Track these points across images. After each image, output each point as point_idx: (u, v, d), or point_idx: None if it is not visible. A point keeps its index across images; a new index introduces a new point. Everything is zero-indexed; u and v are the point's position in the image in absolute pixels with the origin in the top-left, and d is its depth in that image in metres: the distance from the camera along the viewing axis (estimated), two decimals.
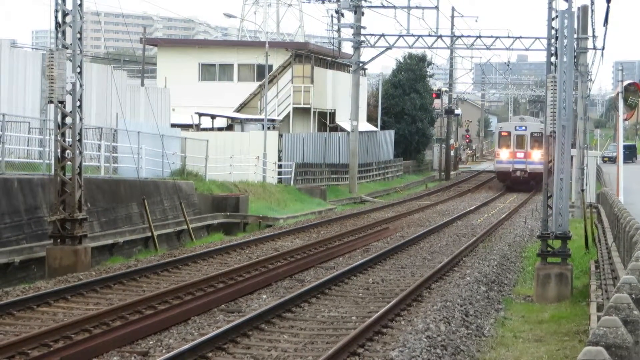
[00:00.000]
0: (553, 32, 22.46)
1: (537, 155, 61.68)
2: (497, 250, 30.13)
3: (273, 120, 58.76)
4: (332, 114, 69.44)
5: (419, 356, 14.77)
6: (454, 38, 60.13)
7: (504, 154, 63.89)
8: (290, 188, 50.33)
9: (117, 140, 36.38)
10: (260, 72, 62.25)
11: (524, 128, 64.02)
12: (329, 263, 26.37)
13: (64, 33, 24.34)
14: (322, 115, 68.29)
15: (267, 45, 55.11)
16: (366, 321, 16.88)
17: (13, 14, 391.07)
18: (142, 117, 42.17)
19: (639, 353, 7.24)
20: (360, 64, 59.95)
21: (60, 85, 23.89)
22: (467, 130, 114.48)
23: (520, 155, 63.41)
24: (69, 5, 24.31)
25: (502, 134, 64.58)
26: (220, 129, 57.02)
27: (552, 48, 22.47)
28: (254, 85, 64.80)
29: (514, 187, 64.12)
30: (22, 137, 31.41)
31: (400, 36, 56.48)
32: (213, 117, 57.00)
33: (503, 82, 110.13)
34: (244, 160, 48.91)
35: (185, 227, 33.85)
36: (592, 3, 41.71)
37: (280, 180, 52.71)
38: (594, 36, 45.33)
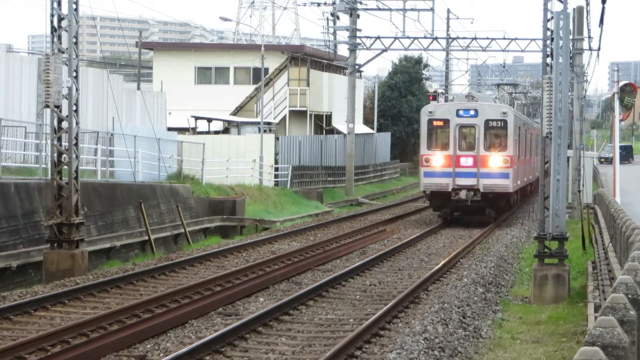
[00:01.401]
0: (548, 33, 22.49)
1: (496, 160, 37.62)
2: (494, 251, 30.14)
3: (269, 123, 58.78)
4: (329, 117, 69.49)
5: (416, 358, 14.77)
6: (450, 40, 60.14)
7: (437, 159, 37.64)
8: (287, 191, 50.32)
9: (114, 144, 36.37)
10: (256, 75, 62.29)
11: (472, 113, 37.81)
12: (326, 265, 26.38)
13: (59, 37, 24.34)
14: (318, 117, 68.34)
15: (263, 48, 55.13)
16: (364, 323, 16.89)
17: (9, 18, 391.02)
18: (139, 121, 42.17)
19: (635, 353, 7.26)
20: (356, 67, 59.98)
21: (57, 90, 23.89)
22: None
23: (467, 161, 37.58)
24: (65, 10, 24.31)
25: (435, 123, 38.16)
26: (216, 132, 57.06)
27: (548, 49, 22.51)
28: (250, 89, 64.83)
29: (458, 218, 39.43)
30: (18, 141, 31.40)
31: (396, 38, 56.51)
32: (209, 120, 57.05)
33: (499, 83, 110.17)
34: (240, 163, 48.90)
35: (182, 230, 33.84)
36: (588, 4, 41.81)
37: (276, 183, 52.71)
38: (589, 37, 45.41)
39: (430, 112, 38.48)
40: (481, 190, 37.36)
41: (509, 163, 37.70)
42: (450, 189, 37.37)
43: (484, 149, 37.59)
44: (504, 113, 38.17)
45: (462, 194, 37.25)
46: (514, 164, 38.27)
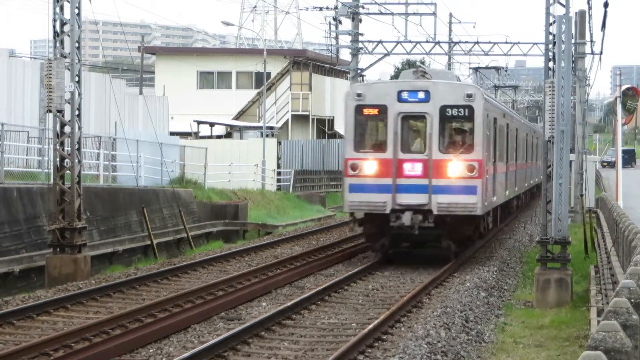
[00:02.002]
0: (551, 37, 22.50)
1: (457, 167, 26.07)
2: (497, 255, 30.11)
3: (272, 128, 58.83)
4: (331, 121, 69.53)
5: None
6: (452, 44, 60.16)
7: (369, 166, 26.40)
8: (289, 195, 50.34)
9: (116, 148, 36.42)
10: (259, 79, 62.36)
11: (422, 96, 26.42)
12: (328, 270, 26.35)
13: (62, 42, 24.38)
14: (320, 122, 68.38)
15: (265, 52, 55.17)
16: (366, 328, 16.87)
17: (11, 23, 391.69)
18: (141, 126, 42.20)
19: (638, 357, 7.25)
20: (359, 71, 59.98)
21: (59, 95, 23.92)
22: None
23: (413, 168, 26.26)
24: (67, 15, 24.35)
25: (366, 112, 26.77)
26: (219, 137, 57.13)
27: (550, 53, 22.52)
28: (252, 93, 64.90)
29: (402, 254, 28.37)
30: (21, 146, 31.46)
31: (398, 43, 56.47)
32: (212, 124, 57.12)
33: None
34: (242, 167, 48.92)
35: (185, 235, 33.85)
36: (590, 8, 41.80)
37: (279, 188, 52.73)
38: (591, 41, 45.44)
39: (358, 96, 26.44)
40: (434, 212, 25.66)
41: (476, 171, 25.86)
42: (388, 211, 25.83)
43: (439, 151, 25.89)
44: (469, 96, 26.04)
45: (406, 218, 25.60)
46: (485, 172, 26.56)
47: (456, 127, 26.78)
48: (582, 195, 38.75)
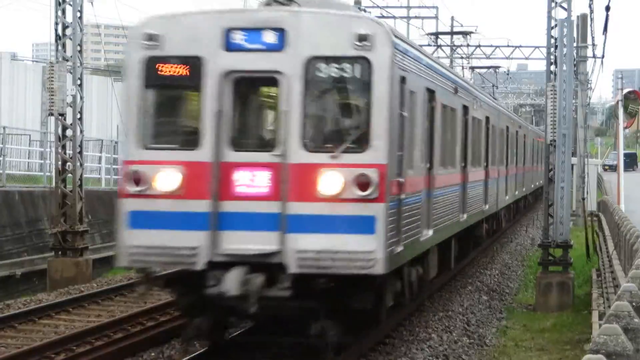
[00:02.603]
0: (552, 40, 22.50)
1: (337, 180, 12.65)
2: (498, 259, 30.11)
3: None
4: None
5: None
6: (454, 47, 60.16)
7: (166, 176, 13.06)
8: None
9: (118, 151, 36.44)
10: None
11: (272, 40, 12.91)
12: None
13: (64, 45, 24.40)
14: None
15: None
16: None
17: (13, 27, 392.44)
18: None
19: None
20: None
21: (61, 98, 23.93)
22: None
23: (253, 179, 12.87)
24: (69, 18, 24.37)
25: (164, 71, 13.22)
26: None
27: (552, 57, 22.52)
28: None
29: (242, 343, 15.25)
30: (23, 149, 31.49)
31: None
32: None
33: (503, 91, 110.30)
34: None
35: None
36: (592, 12, 41.77)
37: None
38: (593, 45, 45.45)
39: (150, 40, 13.40)
40: (292, 268, 12.89)
41: (374, 188, 12.78)
42: (200, 266, 13.09)
43: (302, 147, 13.03)
44: (363, 39, 12.97)
45: (230, 282, 12.77)
46: (397, 188, 13.80)
47: (338, 100, 13.67)
48: (583, 199, 38.73)
